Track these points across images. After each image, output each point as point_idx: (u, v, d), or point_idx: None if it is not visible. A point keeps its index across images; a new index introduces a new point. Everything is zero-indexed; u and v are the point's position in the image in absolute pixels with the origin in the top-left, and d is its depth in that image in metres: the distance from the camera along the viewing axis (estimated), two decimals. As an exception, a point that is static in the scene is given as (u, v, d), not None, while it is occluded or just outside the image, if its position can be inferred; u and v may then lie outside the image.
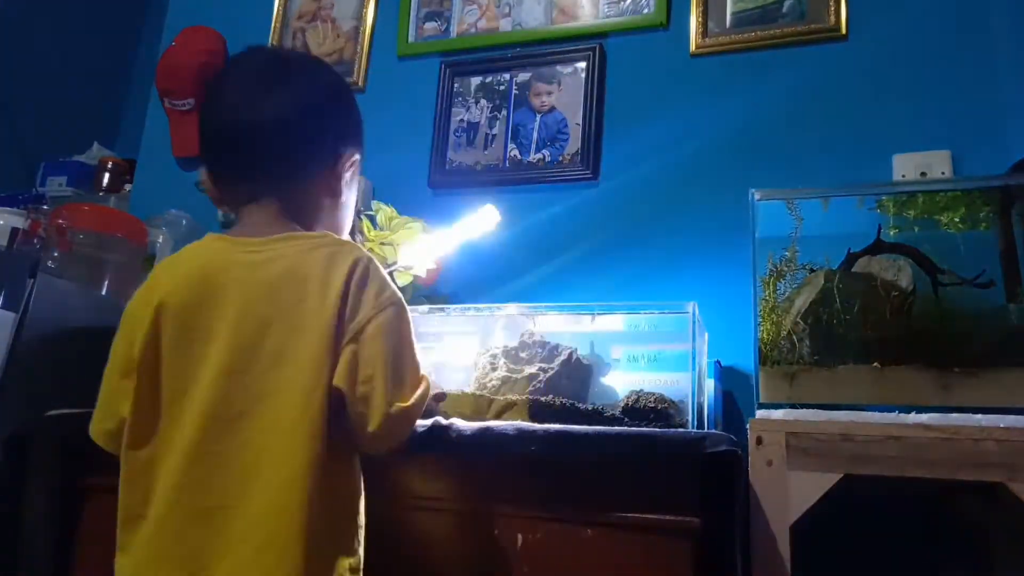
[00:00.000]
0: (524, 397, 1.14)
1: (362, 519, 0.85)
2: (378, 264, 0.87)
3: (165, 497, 0.78)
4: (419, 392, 0.84)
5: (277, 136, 0.88)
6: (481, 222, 1.40)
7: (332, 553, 0.79)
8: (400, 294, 0.87)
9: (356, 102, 0.98)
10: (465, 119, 1.83)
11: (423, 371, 0.87)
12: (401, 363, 0.83)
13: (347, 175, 0.94)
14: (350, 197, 0.96)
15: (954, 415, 0.94)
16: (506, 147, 1.78)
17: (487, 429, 0.97)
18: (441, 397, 1.08)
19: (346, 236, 0.97)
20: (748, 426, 0.98)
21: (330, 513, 0.79)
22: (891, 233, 1.17)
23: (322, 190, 0.92)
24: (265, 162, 0.88)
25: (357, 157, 0.96)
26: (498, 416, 1.12)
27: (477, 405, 1.15)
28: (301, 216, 0.90)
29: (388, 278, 0.88)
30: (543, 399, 1.13)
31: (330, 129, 0.92)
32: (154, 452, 0.80)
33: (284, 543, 0.74)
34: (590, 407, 1.12)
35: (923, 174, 1.43)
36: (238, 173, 0.90)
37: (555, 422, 1.01)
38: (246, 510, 0.76)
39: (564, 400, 1.13)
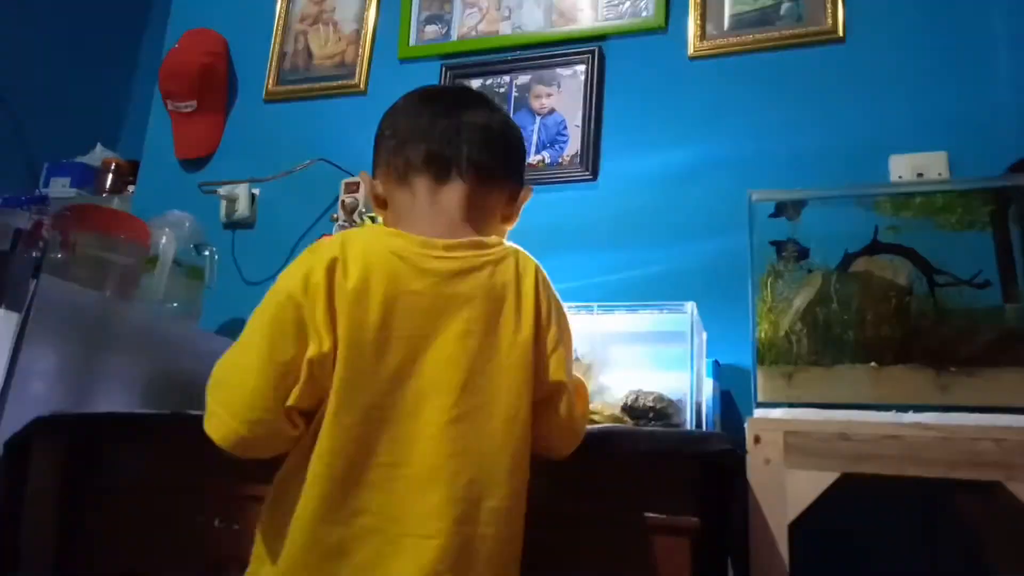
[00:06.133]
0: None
1: None
2: None
3: None
4: None
5: (520, 144, 0.98)
6: (481, 223, 1.40)
7: None
8: None
9: None
10: (465, 121, 1.84)
11: None
12: None
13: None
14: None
15: (951, 415, 0.94)
16: (506, 149, 1.78)
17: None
18: None
19: None
20: (746, 425, 0.99)
21: None
22: (888, 234, 1.17)
23: (499, 211, 0.96)
24: (505, 164, 0.94)
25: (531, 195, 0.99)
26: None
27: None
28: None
29: None
30: (543, 399, 1.13)
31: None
32: None
33: None
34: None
35: (920, 175, 1.44)
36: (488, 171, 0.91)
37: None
38: None
39: (564, 400, 1.13)
